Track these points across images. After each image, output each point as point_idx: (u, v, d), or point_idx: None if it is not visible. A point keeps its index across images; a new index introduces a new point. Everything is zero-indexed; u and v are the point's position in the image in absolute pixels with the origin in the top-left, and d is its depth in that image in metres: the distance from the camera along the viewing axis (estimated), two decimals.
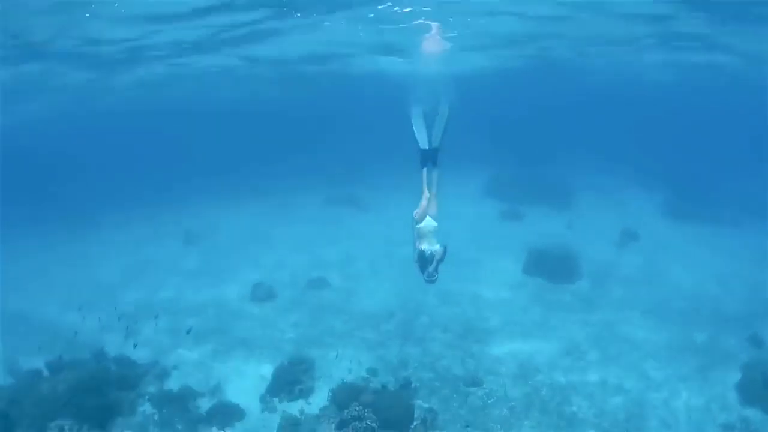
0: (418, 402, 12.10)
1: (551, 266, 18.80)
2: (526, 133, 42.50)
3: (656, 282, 18.68)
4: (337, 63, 24.56)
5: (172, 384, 13.20)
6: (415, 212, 10.14)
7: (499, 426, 11.46)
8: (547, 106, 49.89)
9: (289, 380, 12.70)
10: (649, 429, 11.42)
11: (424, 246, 9.73)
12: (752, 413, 11.89)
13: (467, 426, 11.33)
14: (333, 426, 11.03)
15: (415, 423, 11.25)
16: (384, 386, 11.95)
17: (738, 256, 21.06)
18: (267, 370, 13.49)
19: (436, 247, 9.67)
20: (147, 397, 12.61)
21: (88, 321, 15.76)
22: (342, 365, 13.56)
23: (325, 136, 48.15)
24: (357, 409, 10.89)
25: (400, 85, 28.37)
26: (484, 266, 19.96)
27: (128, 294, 19.14)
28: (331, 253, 22.07)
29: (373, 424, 10.74)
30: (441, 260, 9.62)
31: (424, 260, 9.59)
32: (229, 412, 12.03)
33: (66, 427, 10.71)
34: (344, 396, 11.60)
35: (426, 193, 10.30)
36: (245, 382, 13.37)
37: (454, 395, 12.49)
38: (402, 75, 26.78)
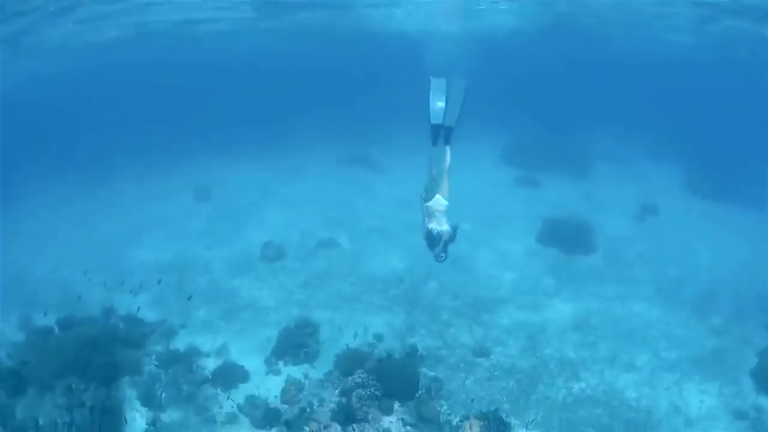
0: (424, 370, 11.93)
1: (566, 237, 18.36)
2: (547, 98, 41.32)
3: (673, 260, 18.15)
4: (354, 16, 23.68)
5: (179, 343, 13.17)
6: (422, 190, 9.64)
7: (504, 398, 11.30)
8: (569, 72, 48.35)
9: (295, 343, 12.57)
10: (659, 412, 11.18)
11: (433, 225, 9.33)
12: (767, 402, 11.59)
13: (472, 400, 11.15)
14: (336, 392, 10.89)
15: (419, 392, 11.07)
16: (389, 354, 11.73)
17: (760, 240, 20.43)
18: (273, 331, 13.35)
19: (445, 227, 9.26)
20: (153, 356, 12.60)
21: (98, 280, 15.45)
22: (348, 330, 13.39)
23: (340, 93, 47.13)
24: (361, 376, 10.72)
25: (418, 41, 27.37)
26: (498, 234, 19.56)
27: (138, 252, 18.99)
28: (342, 214, 21.78)
29: (377, 392, 10.58)
30: (450, 241, 9.28)
31: (432, 240, 9.26)
32: (233, 374, 11.96)
33: (73, 386, 10.67)
34: (349, 362, 11.41)
35: (432, 171, 9.71)
36: (251, 343, 13.28)
37: (461, 365, 12.32)
38: (420, 32, 25.82)
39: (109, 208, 23.82)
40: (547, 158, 27.41)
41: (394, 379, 10.85)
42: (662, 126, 34.45)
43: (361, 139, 31.99)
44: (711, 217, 22.87)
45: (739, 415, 11.19)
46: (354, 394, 10.49)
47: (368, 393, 10.50)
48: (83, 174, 27.96)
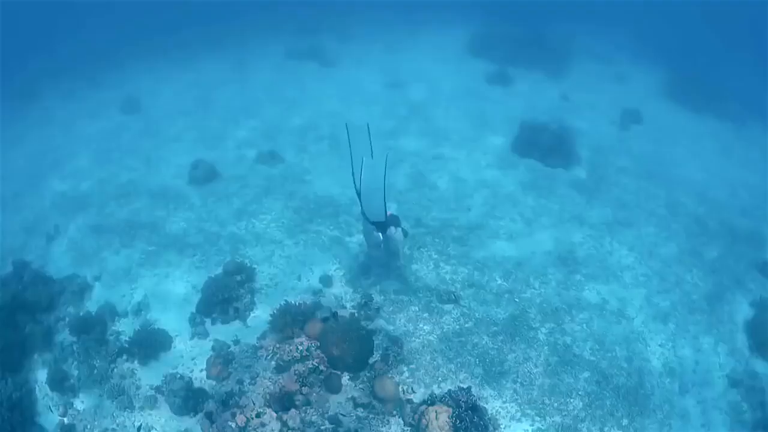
0: (381, 324, 9.96)
1: (544, 145, 16.02)
2: None
3: (661, 177, 16.28)
4: None
5: (92, 302, 11.07)
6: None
7: (476, 361, 9.44)
8: None
9: (223, 298, 10.28)
10: (652, 375, 9.60)
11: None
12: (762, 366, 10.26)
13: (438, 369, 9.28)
14: (272, 364, 8.87)
15: (374, 358, 9.17)
16: (335, 313, 9.61)
17: (745, 160, 19.04)
18: (200, 277, 11.12)
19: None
20: (66, 319, 10.66)
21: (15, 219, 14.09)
22: (289, 271, 11.26)
23: None
24: (300, 346, 8.67)
25: None
26: (467, 140, 17.17)
27: (59, 182, 16.14)
28: (287, 119, 18.93)
29: (321, 366, 8.62)
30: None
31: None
32: (152, 341, 9.78)
33: None
34: (286, 324, 9.29)
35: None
36: (174, 295, 11.05)
37: (425, 315, 10.30)
38: None
39: (37, 131, 20.83)
40: (519, 52, 24.43)
41: (343, 344, 8.87)
42: (643, 23, 31.36)
43: (313, 28, 28.59)
44: (694, 128, 21.28)
45: (734, 381, 9.81)
46: (293, 370, 8.50)
47: (310, 368, 8.53)
48: (12, 91, 24.40)
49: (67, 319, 10.62)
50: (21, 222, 14.21)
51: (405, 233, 9.97)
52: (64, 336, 10.29)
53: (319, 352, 8.74)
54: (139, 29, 30.11)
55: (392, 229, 9.49)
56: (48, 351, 10.06)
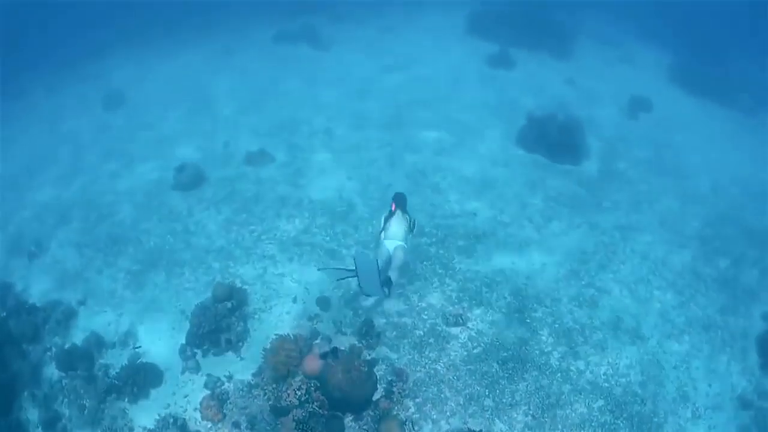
0: (384, 350, 9.38)
1: (552, 139, 15.24)
2: None
3: (673, 173, 15.79)
4: None
5: (78, 331, 10.41)
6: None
7: (486, 391, 8.87)
8: None
9: (213, 328, 9.61)
10: (666, 401, 9.09)
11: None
12: None
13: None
14: (268, 405, 8.29)
15: (378, 394, 8.59)
16: (334, 349, 8.93)
17: (758, 153, 18.31)
18: (189, 301, 10.45)
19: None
20: (53, 350, 10.06)
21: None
22: (283, 292, 10.61)
23: None
24: (299, 390, 8.05)
25: None
26: (470, 133, 16.41)
27: (40, 192, 15.38)
28: (277, 112, 18.07)
29: (321, 410, 8.03)
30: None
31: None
32: (142, 376, 9.14)
33: None
34: (281, 361, 8.61)
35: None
36: (163, 321, 10.42)
37: (431, 340, 9.68)
38: None
39: (23, 132, 19.88)
40: (521, 32, 23.46)
41: (345, 384, 8.25)
42: (649, 4, 30.20)
43: (304, 8, 27.21)
44: (705, 118, 20.65)
45: (745, 403, 9.34)
46: (291, 416, 7.90)
47: (310, 411, 7.93)
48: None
49: (53, 350, 10.03)
50: (3, 237, 13.51)
51: (412, 226, 9.53)
52: (52, 371, 9.71)
53: (318, 393, 8.15)
54: (122, 19, 28.79)
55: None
56: (37, 388, 9.47)
